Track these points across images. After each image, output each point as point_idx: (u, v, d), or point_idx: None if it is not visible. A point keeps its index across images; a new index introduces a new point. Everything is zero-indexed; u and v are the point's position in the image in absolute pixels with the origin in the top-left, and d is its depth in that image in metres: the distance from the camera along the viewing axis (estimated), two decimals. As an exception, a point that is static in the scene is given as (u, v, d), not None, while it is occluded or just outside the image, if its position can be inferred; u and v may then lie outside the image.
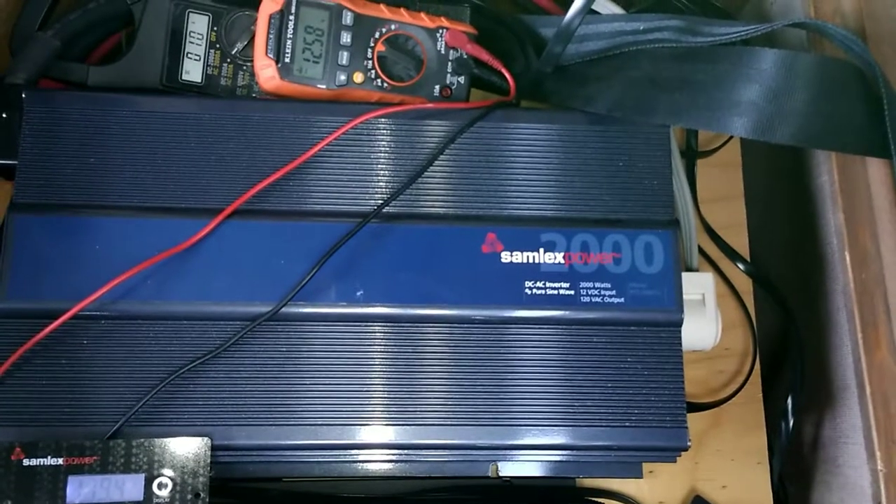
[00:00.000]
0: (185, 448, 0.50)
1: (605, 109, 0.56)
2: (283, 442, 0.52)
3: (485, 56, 0.59)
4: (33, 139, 0.54)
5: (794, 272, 0.66)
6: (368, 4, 0.59)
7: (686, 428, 0.54)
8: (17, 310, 0.51)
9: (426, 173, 0.55)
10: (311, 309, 0.53)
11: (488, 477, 0.55)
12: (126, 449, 0.49)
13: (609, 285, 0.55)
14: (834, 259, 0.59)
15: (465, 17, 0.61)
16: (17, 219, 0.53)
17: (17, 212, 0.53)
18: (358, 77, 0.58)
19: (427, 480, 0.58)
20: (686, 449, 0.54)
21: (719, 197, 0.67)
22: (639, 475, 0.56)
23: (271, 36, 0.57)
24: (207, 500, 0.49)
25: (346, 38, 0.58)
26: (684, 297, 0.55)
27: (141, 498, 0.49)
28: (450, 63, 0.60)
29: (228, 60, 0.60)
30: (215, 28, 0.60)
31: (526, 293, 0.55)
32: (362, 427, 0.52)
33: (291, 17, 0.57)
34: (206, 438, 0.50)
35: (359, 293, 0.54)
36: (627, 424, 0.54)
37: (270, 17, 0.57)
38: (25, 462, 0.48)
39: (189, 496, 0.49)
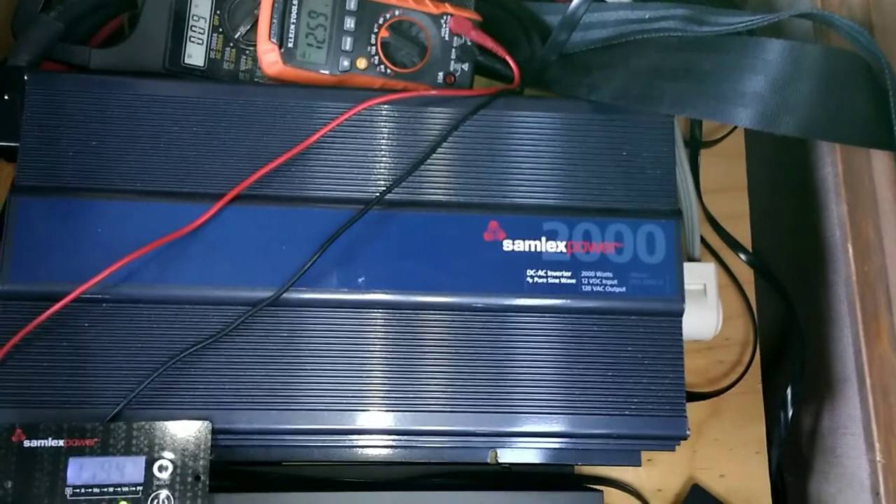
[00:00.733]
0: (186, 431, 0.50)
1: (609, 98, 0.55)
2: (283, 426, 0.52)
3: (489, 43, 0.59)
4: (35, 122, 0.54)
5: (796, 263, 0.66)
6: (373, -10, 0.58)
7: (685, 417, 0.54)
8: (18, 292, 0.51)
9: (429, 160, 0.55)
10: (312, 295, 0.53)
11: (487, 463, 0.55)
12: (127, 431, 0.49)
13: (611, 274, 0.55)
14: (836, 250, 0.59)
15: (470, 4, 0.60)
16: (19, 201, 0.53)
17: (19, 194, 0.53)
18: (361, 63, 0.58)
19: (426, 466, 0.58)
20: (685, 438, 0.54)
21: (722, 187, 0.67)
22: (637, 463, 0.56)
23: (274, 20, 0.56)
24: (207, 482, 0.49)
25: (349, 23, 0.57)
26: (686, 287, 0.55)
27: (141, 480, 0.49)
28: (454, 50, 0.59)
29: (231, 44, 0.60)
30: (218, 12, 0.60)
31: (527, 281, 0.55)
32: (362, 412, 0.52)
33: (295, 2, 0.57)
34: (206, 422, 0.50)
35: (360, 279, 0.54)
36: (627, 413, 0.54)
37: (274, 1, 0.56)
38: (26, 444, 0.48)
39: (189, 479, 0.49)
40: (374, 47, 0.58)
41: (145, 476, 0.49)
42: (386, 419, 0.53)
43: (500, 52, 0.59)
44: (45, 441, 0.48)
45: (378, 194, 0.54)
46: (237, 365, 0.52)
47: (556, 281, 0.55)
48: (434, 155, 0.55)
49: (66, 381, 0.51)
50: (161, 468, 0.49)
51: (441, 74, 0.59)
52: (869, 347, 0.53)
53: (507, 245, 0.55)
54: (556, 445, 0.55)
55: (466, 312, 0.54)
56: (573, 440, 0.54)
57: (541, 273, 0.55)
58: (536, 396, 0.54)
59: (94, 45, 0.61)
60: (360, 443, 0.54)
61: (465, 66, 0.60)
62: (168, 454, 0.49)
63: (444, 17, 0.59)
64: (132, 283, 0.52)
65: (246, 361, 0.52)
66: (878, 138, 0.52)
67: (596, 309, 0.55)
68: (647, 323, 0.55)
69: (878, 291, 0.53)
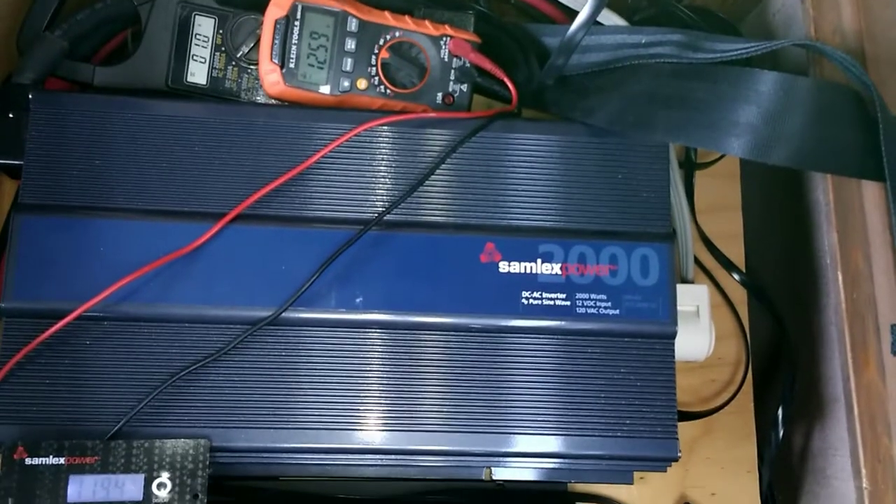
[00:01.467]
0: (185, 449, 0.51)
1: (604, 123, 0.56)
2: (280, 445, 0.53)
3: (487, 65, 0.60)
4: (39, 140, 0.54)
5: (788, 285, 0.67)
6: (373, 11, 0.59)
7: (676, 439, 0.55)
8: (21, 310, 0.52)
9: (427, 182, 0.56)
10: (310, 314, 0.54)
11: (482, 480, 0.56)
12: (126, 449, 0.50)
13: (605, 297, 0.56)
14: (827, 275, 0.60)
15: (469, 26, 0.61)
16: (23, 219, 0.53)
17: (22, 212, 0.53)
18: (361, 83, 0.59)
19: (421, 483, 0.59)
20: (676, 460, 0.55)
21: (717, 207, 0.67)
22: (629, 482, 0.57)
23: (276, 41, 0.57)
24: (206, 500, 0.50)
25: (350, 44, 0.58)
26: (679, 308, 0.56)
27: (140, 498, 0.50)
28: (453, 71, 0.60)
29: (233, 63, 0.60)
30: (221, 31, 0.60)
31: (523, 303, 0.55)
32: (359, 431, 0.53)
33: (297, 23, 0.57)
34: (205, 440, 0.51)
35: (358, 300, 0.54)
36: (619, 434, 0.55)
37: (276, 22, 0.57)
38: (28, 461, 0.49)
39: (188, 497, 0.50)
40: (374, 68, 0.59)
41: (144, 494, 0.50)
42: (383, 438, 0.53)
43: (499, 73, 0.60)
44: (47, 458, 0.49)
45: (377, 215, 0.55)
46: (236, 383, 0.53)
47: (551, 303, 0.56)
48: (432, 176, 0.56)
49: (67, 399, 0.52)
50: (160, 486, 0.50)
51: (440, 95, 0.60)
52: (857, 375, 0.54)
53: (504, 267, 0.56)
54: (550, 465, 0.56)
55: (462, 333, 0.55)
56: (566, 460, 0.55)
57: (536, 295, 0.56)
58: (531, 416, 0.54)
59: (97, 61, 0.62)
60: (357, 461, 0.54)
61: (464, 87, 0.60)
62: (167, 472, 0.50)
63: (444, 39, 0.60)
64: (133, 301, 0.53)
65: (244, 380, 0.53)
66: (867, 169, 0.53)
67: (590, 331, 0.56)
68: (640, 345, 0.56)
69: (866, 320, 0.54)
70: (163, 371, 0.52)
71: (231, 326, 0.53)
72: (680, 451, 0.55)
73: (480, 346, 0.55)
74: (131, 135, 0.55)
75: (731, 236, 0.67)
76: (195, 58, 0.60)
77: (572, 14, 0.59)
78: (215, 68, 0.60)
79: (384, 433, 0.53)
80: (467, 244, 0.56)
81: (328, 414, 0.53)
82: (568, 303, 0.56)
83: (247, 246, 0.54)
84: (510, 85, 0.59)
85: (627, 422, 0.55)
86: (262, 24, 0.58)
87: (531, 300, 0.55)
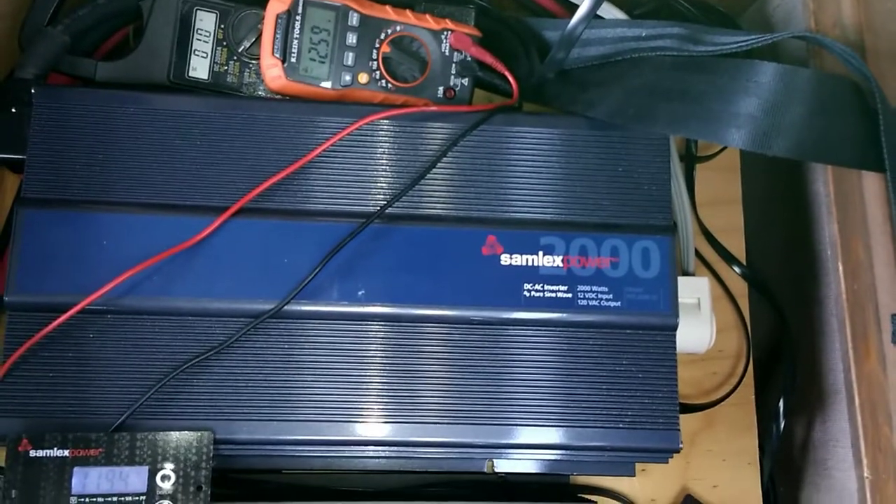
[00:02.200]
0: (188, 441, 0.51)
1: (605, 116, 0.56)
2: (283, 437, 0.53)
3: (488, 59, 0.60)
4: (42, 135, 0.55)
5: (789, 277, 0.67)
6: (374, 6, 0.59)
7: (678, 430, 0.55)
8: (25, 303, 0.52)
9: (428, 175, 0.56)
10: (313, 307, 0.54)
11: (484, 472, 0.56)
12: (130, 442, 0.50)
13: (606, 289, 0.56)
14: (827, 267, 0.60)
15: (470, 19, 0.61)
16: (26, 213, 0.53)
17: (25, 206, 0.54)
18: (363, 77, 0.59)
19: (423, 475, 0.59)
20: (678, 451, 0.55)
21: (717, 200, 0.68)
22: (631, 473, 0.57)
23: (278, 35, 0.57)
24: (209, 492, 0.50)
25: (351, 38, 0.58)
26: (680, 300, 0.56)
27: (144, 490, 0.50)
28: (454, 65, 0.60)
29: (235, 58, 0.61)
30: (222, 26, 0.60)
31: (524, 295, 0.56)
32: (361, 424, 0.53)
33: (298, 17, 0.57)
34: (208, 432, 0.51)
35: (360, 293, 0.55)
36: (621, 426, 0.55)
37: (277, 16, 0.57)
38: (32, 453, 0.49)
39: (192, 489, 0.50)
40: (375, 62, 0.59)
41: (148, 486, 0.50)
42: (385, 430, 0.54)
43: (500, 67, 0.60)
44: (51, 451, 0.49)
45: (378, 208, 0.55)
46: (238, 376, 0.53)
47: (553, 295, 0.56)
48: (434, 169, 0.56)
49: (71, 392, 0.52)
50: (164, 478, 0.50)
51: (441, 89, 0.60)
52: (858, 365, 0.54)
53: (505, 259, 0.56)
54: (552, 456, 0.56)
55: (464, 325, 0.55)
56: (568, 452, 0.55)
57: (538, 287, 0.56)
58: (532, 408, 0.55)
59: (99, 56, 0.62)
60: (359, 453, 0.54)
61: (465, 81, 0.61)
62: (171, 464, 0.50)
63: (445, 33, 0.60)
64: (136, 294, 0.53)
65: (247, 373, 0.53)
66: (868, 160, 0.53)
67: (591, 323, 0.56)
68: (641, 337, 0.56)
69: (867, 310, 0.54)
70: (166, 364, 0.53)
71: (234, 319, 0.53)
72: (682, 442, 0.55)
73: (482, 338, 0.55)
74: (133, 129, 0.55)
75: (731, 229, 0.67)
76: (197, 53, 0.60)
77: (572, 8, 0.59)
78: (217, 63, 0.61)
79: (386, 425, 0.54)
80: (469, 237, 0.56)
81: (331, 406, 0.53)
82: (569, 295, 0.56)
83: (249, 239, 0.54)
84: (511, 79, 0.59)
85: (629, 413, 0.55)
86: (263, 18, 0.58)
87: (533, 292, 0.56)
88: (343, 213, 0.55)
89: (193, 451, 0.51)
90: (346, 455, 0.55)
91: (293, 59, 0.58)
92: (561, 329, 0.56)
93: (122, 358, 0.53)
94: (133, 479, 0.50)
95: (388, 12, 0.59)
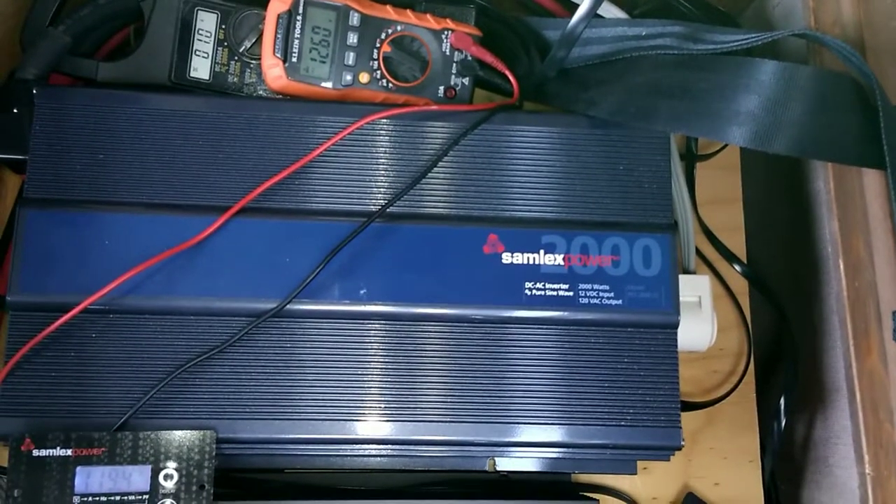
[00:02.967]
0: (191, 440, 0.51)
1: (606, 114, 0.57)
2: (285, 436, 0.53)
3: (489, 58, 0.60)
4: (44, 135, 0.55)
5: (790, 275, 0.67)
6: (375, 5, 0.59)
7: (680, 428, 0.55)
8: (27, 303, 0.52)
9: (429, 174, 0.56)
10: (314, 306, 0.54)
11: (485, 471, 0.56)
12: (133, 441, 0.51)
13: (607, 287, 0.56)
14: (828, 265, 0.60)
15: (471, 19, 0.61)
16: (28, 213, 0.54)
17: (27, 206, 0.54)
18: (363, 77, 0.59)
19: (425, 474, 0.59)
20: (679, 448, 0.55)
21: (718, 199, 0.68)
22: (633, 472, 0.57)
23: (279, 35, 0.57)
24: (212, 491, 0.50)
25: (352, 38, 0.58)
26: (681, 299, 0.57)
27: (147, 489, 0.50)
28: (454, 64, 0.60)
29: (236, 58, 0.61)
30: (223, 26, 0.61)
31: (526, 294, 0.56)
32: (363, 422, 0.54)
33: (299, 17, 0.58)
34: (210, 431, 0.52)
35: (362, 291, 0.55)
36: (623, 423, 0.55)
37: (278, 16, 0.57)
38: (35, 453, 0.49)
39: (194, 487, 0.50)
40: (376, 62, 0.59)
41: (151, 485, 0.50)
42: (386, 429, 0.54)
43: (500, 66, 0.60)
44: (54, 450, 0.50)
45: (380, 207, 0.55)
46: (240, 375, 0.53)
47: (554, 293, 0.56)
48: (434, 168, 0.57)
49: (73, 391, 0.52)
50: (166, 477, 0.50)
51: (442, 88, 0.60)
52: (859, 362, 0.54)
53: (506, 258, 0.56)
54: (553, 454, 0.56)
55: (466, 324, 0.55)
56: (569, 450, 0.55)
57: (539, 285, 0.56)
58: (534, 406, 0.55)
59: (100, 57, 0.62)
60: (361, 452, 0.55)
61: (466, 81, 0.61)
62: (173, 463, 0.51)
63: (445, 33, 0.60)
64: (138, 294, 0.53)
65: (249, 372, 0.53)
66: (868, 157, 0.53)
67: (593, 321, 0.56)
68: (642, 335, 0.56)
69: (868, 307, 0.54)
70: (168, 363, 0.53)
71: (236, 318, 0.54)
72: (683, 440, 0.55)
73: (484, 336, 0.55)
74: (135, 129, 0.56)
75: (731, 228, 0.67)
76: (198, 53, 0.61)
77: (573, 7, 0.60)
78: (218, 63, 0.61)
79: (388, 424, 0.54)
80: (470, 236, 0.56)
81: (333, 405, 0.54)
82: (571, 293, 0.56)
83: (251, 239, 0.55)
84: (511, 78, 0.59)
85: (631, 411, 0.55)
86: (264, 18, 0.58)
87: (534, 291, 0.56)
88: (344, 213, 0.56)
89: (196, 450, 0.51)
90: (348, 454, 0.55)
91: (294, 59, 0.58)
92: (562, 327, 0.56)
93: (124, 357, 0.53)
94: (136, 478, 0.50)
95: (389, 12, 0.59)
